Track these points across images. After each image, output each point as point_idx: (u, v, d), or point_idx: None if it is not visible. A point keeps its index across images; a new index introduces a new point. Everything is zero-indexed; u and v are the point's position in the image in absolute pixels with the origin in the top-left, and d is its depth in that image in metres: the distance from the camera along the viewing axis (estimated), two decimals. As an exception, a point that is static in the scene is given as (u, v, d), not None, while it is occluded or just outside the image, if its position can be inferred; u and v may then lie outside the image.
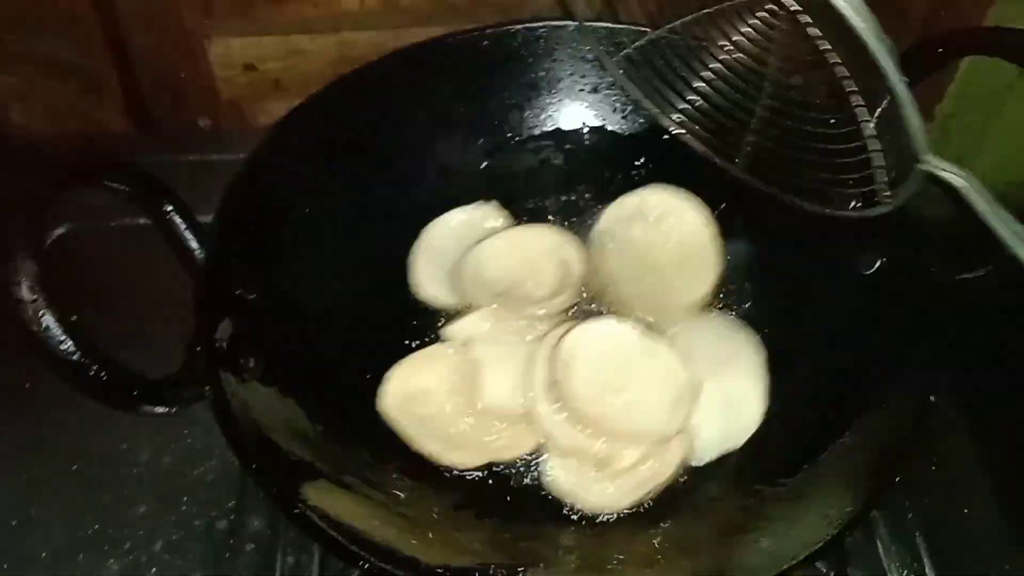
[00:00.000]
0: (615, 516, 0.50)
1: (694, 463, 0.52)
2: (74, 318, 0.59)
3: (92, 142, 0.76)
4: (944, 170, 0.42)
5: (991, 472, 0.55)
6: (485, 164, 0.61)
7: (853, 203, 0.48)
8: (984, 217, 0.40)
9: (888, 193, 0.47)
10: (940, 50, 0.49)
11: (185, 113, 0.77)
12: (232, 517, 0.53)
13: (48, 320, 0.38)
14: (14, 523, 0.52)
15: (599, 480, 0.51)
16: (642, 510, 0.50)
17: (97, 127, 0.77)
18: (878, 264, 0.51)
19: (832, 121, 0.50)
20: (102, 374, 0.39)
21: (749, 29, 0.54)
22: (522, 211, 0.61)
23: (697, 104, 0.54)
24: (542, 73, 0.59)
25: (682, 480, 0.51)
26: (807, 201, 0.50)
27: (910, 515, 0.53)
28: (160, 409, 0.42)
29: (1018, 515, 0.53)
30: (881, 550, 0.52)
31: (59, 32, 0.71)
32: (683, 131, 0.54)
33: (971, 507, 0.53)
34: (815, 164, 0.49)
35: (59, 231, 0.65)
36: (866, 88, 0.50)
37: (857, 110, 0.50)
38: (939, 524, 0.52)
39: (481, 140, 0.60)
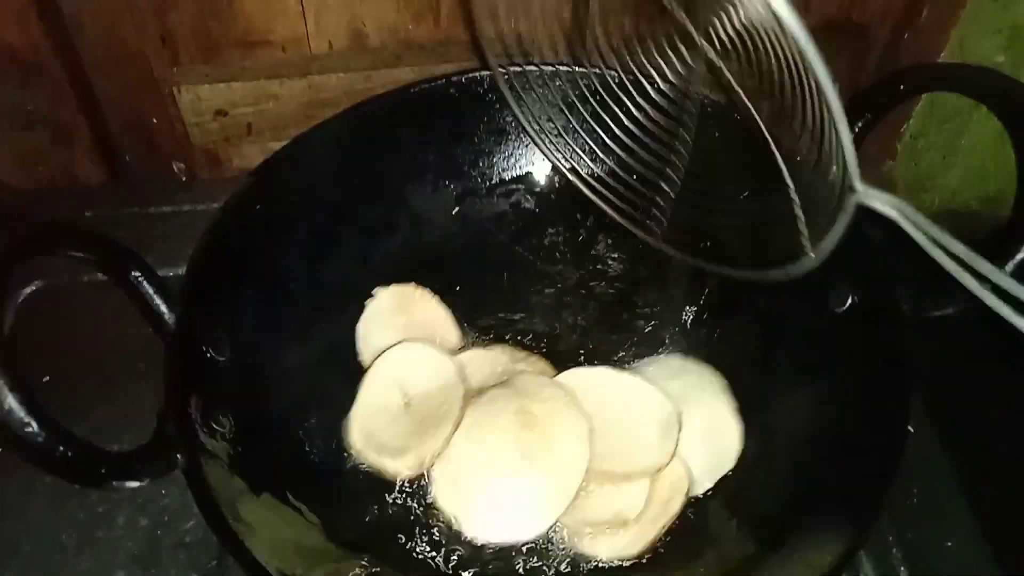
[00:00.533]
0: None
1: (695, 494, 0.52)
2: (46, 379, 0.60)
3: (64, 193, 0.75)
4: (878, 200, 0.40)
5: (973, 503, 0.55)
6: (456, 210, 0.61)
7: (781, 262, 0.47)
8: (924, 247, 0.38)
9: (809, 247, 0.46)
10: (902, 86, 0.49)
11: (157, 160, 0.76)
12: (213, 579, 0.52)
13: (11, 402, 0.37)
14: (-12, 592, 0.52)
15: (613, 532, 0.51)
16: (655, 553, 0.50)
17: (68, 176, 0.76)
18: (850, 302, 0.51)
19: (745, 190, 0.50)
20: (68, 453, 0.39)
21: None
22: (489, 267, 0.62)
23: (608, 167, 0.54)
24: (509, 118, 0.60)
25: (690, 515, 0.51)
26: (728, 267, 0.50)
27: (894, 550, 0.53)
28: (132, 484, 0.41)
29: (1002, 546, 0.53)
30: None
31: (25, 82, 0.71)
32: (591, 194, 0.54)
33: (955, 539, 0.53)
34: (737, 227, 0.49)
35: (29, 289, 0.65)
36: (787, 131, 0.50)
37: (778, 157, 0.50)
38: (924, 558, 0.52)
39: (451, 186, 0.60)
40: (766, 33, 0.47)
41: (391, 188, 0.59)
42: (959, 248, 0.36)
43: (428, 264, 0.60)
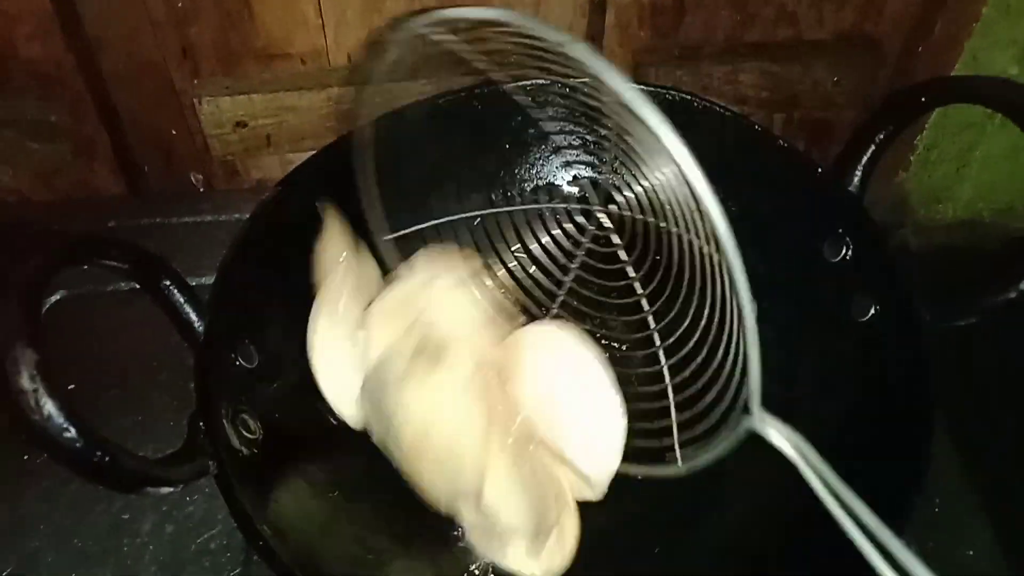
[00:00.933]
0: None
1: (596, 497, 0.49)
2: (71, 387, 0.60)
3: (85, 205, 0.76)
4: (774, 428, 0.37)
5: (994, 512, 0.55)
6: (478, 222, 0.61)
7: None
8: (815, 489, 0.35)
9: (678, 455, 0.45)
10: (923, 99, 0.50)
11: (176, 172, 0.77)
12: (238, 586, 0.52)
13: (50, 409, 0.37)
14: (13, 602, 0.52)
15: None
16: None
17: (89, 189, 0.77)
18: (872, 312, 0.51)
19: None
20: (106, 459, 0.39)
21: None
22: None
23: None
24: (531, 130, 0.60)
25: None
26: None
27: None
28: (165, 489, 0.42)
29: (1020, 557, 0.53)
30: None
31: (46, 95, 0.72)
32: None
33: (976, 549, 0.53)
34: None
35: (54, 298, 0.65)
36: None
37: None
38: (944, 568, 0.52)
39: (473, 196, 0.61)
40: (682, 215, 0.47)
41: (415, 198, 0.60)
42: (857, 504, 0.33)
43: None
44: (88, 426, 0.39)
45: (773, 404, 0.54)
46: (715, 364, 0.46)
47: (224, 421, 0.45)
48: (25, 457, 0.57)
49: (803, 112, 0.80)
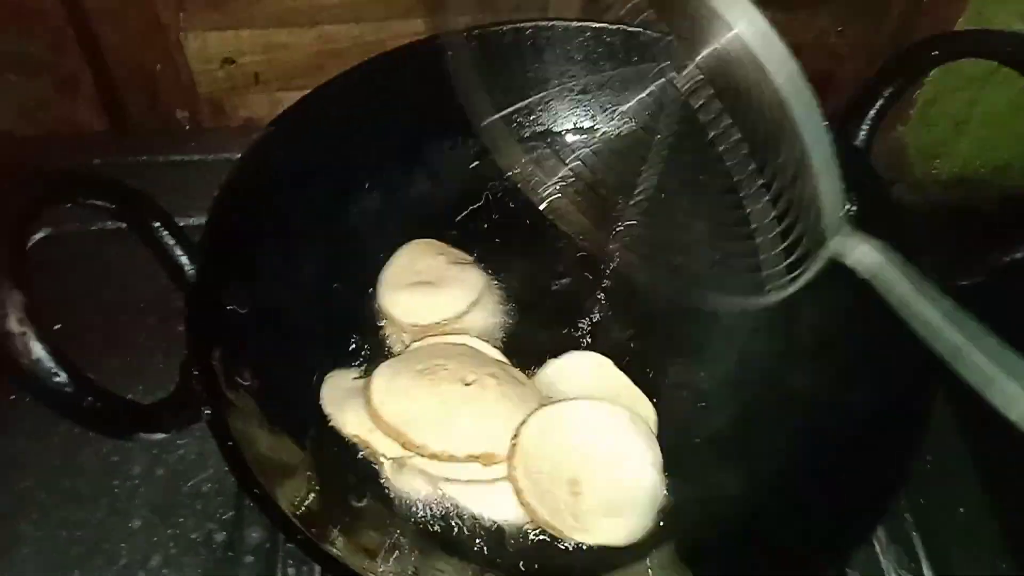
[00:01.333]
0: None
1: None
2: (57, 327, 0.59)
3: (69, 142, 0.74)
4: (862, 250, 0.37)
5: (986, 470, 0.55)
6: (474, 165, 0.60)
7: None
8: (903, 309, 0.34)
9: (789, 275, 0.43)
10: (935, 53, 0.49)
11: (161, 109, 0.75)
12: (230, 529, 0.52)
13: (39, 352, 0.37)
14: (3, 541, 0.51)
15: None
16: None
17: (72, 125, 0.75)
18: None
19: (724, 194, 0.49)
20: (97, 404, 0.38)
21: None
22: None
23: (577, 176, 0.53)
24: (530, 74, 0.59)
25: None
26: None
27: (907, 515, 0.54)
28: (157, 435, 0.41)
29: (1013, 513, 0.54)
30: (879, 551, 0.53)
31: (27, 29, 0.69)
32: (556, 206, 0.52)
33: (967, 506, 0.54)
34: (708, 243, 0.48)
35: (39, 235, 0.63)
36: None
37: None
38: (936, 524, 0.53)
39: (469, 142, 0.60)
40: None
41: (408, 143, 0.58)
42: (945, 304, 0.33)
43: (446, 220, 0.60)
44: (78, 370, 0.38)
45: (770, 359, 0.54)
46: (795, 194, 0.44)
47: (217, 367, 0.44)
48: (12, 398, 0.57)
49: (805, 62, 0.78)
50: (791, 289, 0.42)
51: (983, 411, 0.58)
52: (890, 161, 0.81)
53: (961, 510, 0.54)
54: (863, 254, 0.37)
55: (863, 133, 0.52)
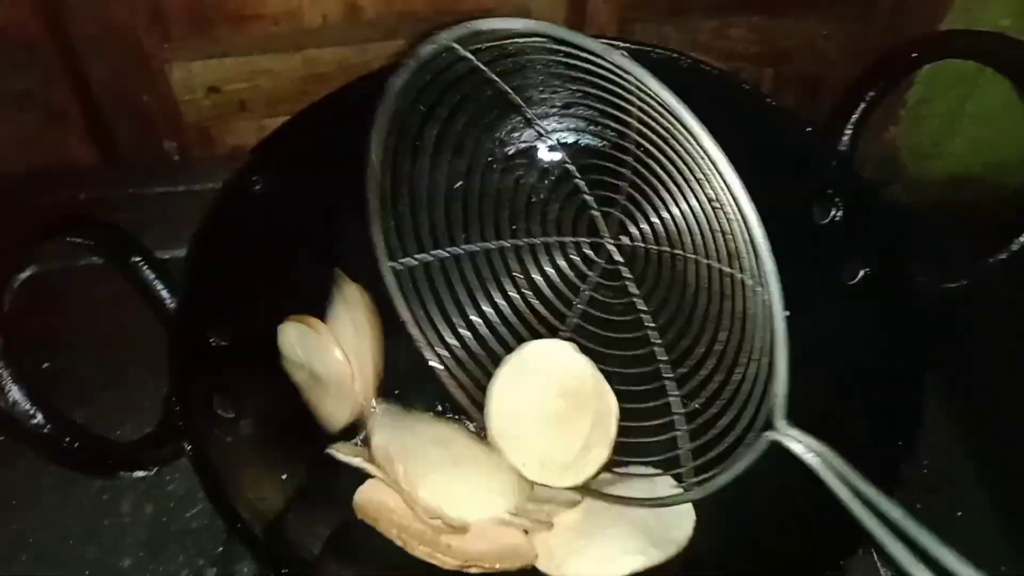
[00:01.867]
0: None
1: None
2: (46, 365, 0.59)
3: (58, 176, 0.74)
4: (798, 442, 0.36)
5: (983, 473, 0.55)
6: (458, 185, 0.59)
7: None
8: (839, 495, 0.34)
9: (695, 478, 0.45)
10: (915, 55, 0.48)
11: (150, 139, 0.75)
12: (220, 564, 0.51)
13: (16, 395, 0.36)
14: (-3, 581, 0.51)
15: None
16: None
17: (62, 159, 0.75)
18: (862, 274, 0.50)
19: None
20: (76, 444, 0.38)
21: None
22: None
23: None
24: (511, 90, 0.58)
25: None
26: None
27: (905, 520, 0.53)
28: (139, 473, 0.41)
29: (1012, 516, 0.53)
30: (876, 557, 0.52)
31: (15, 61, 0.69)
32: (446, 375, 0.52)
33: (964, 509, 0.53)
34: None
35: (26, 274, 0.63)
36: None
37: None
38: (933, 528, 0.52)
39: (452, 161, 0.59)
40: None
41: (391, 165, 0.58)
42: (886, 504, 0.33)
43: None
44: (56, 411, 0.38)
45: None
46: (731, 385, 0.46)
47: (199, 401, 0.44)
48: (1, 439, 0.56)
49: (794, 67, 0.78)
50: (727, 477, 0.42)
51: (981, 415, 0.57)
52: (883, 162, 0.80)
53: (959, 513, 0.53)
54: (807, 443, 0.36)
55: (847, 137, 0.51)
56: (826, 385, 0.50)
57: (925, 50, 0.48)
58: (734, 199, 0.35)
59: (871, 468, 0.44)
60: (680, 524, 0.49)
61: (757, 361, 0.42)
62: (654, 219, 0.53)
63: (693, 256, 0.51)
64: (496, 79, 0.50)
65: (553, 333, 0.55)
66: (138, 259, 0.46)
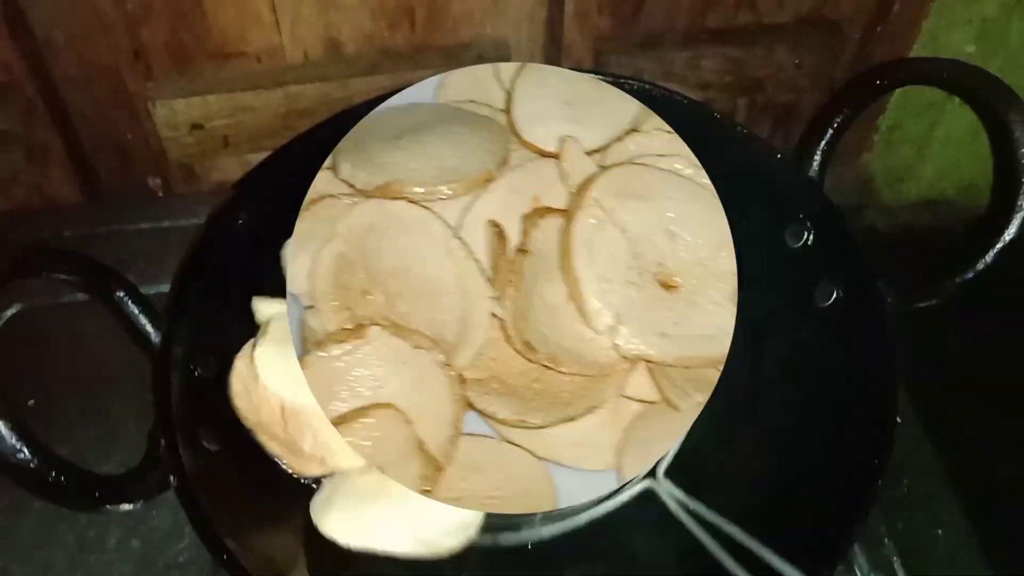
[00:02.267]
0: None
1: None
2: (31, 402, 0.59)
3: (41, 214, 0.74)
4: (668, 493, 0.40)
5: (962, 491, 0.55)
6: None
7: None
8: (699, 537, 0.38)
9: None
10: (879, 82, 0.50)
11: (134, 177, 0.76)
12: (207, 598, 0.52)
13: (1, 429, 0.37)
14: (-20, 620, 0.51)
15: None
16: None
17: (45, 197, 0.76)
18: (834, 296, 0.51)
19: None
20: (61, 478, 0.38)
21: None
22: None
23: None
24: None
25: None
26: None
27: (886, 540, 0.53)
28: (125, 506, 0.41)
29: (990, 533, 0.53)
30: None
31: (-4, 102, 0.70)
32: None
33: (944, 527, 0.54)
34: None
35: (11, 311, 0.64)
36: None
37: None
38: (915, 547, 0.53)
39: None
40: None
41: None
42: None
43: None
44: (41, 445, 0.38)
45: (738, 390, 0.54)
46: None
47: (184, 434, 0.44)
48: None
49: (767, 96, 0.80)
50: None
51: (961, 434, 0.58)
52: (859, 187, 0.82)
53: (940, 532, 0.54)
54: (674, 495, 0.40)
55: (816, 163, 0.52)
56: (799, 406, 0.51)
57: (886, 77, 0.50)
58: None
59: (848, 488, 0.45)
60: (456, 535, 0.47)
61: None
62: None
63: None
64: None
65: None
66: (122, 294, 0.46)
